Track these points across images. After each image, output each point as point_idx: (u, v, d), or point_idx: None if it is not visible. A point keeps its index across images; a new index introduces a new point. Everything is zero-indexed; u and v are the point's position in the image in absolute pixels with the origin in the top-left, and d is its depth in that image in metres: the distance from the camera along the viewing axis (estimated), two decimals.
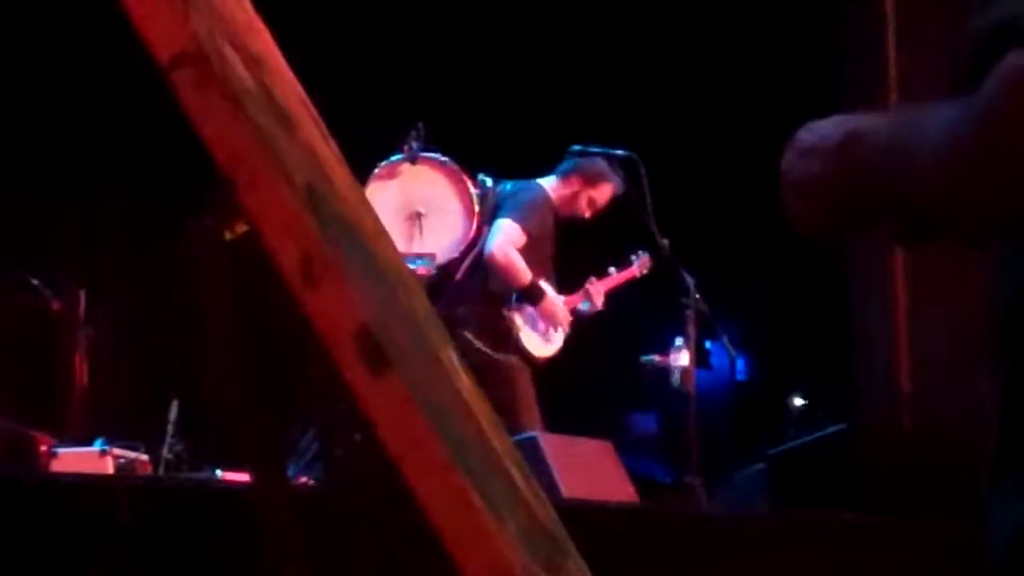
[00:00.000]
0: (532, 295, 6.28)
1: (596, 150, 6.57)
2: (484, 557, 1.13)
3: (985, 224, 1.29)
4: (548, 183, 6.52)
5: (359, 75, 7.87)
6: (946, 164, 1.25)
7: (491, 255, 6.15)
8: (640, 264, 7.03)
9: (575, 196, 6.51)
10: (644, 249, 6.94)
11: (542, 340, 6.40)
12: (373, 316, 1.17)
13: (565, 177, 6.53)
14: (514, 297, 6.30)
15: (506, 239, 6.18)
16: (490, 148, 6.71)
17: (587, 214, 6.55)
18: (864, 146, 1.38)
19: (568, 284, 6.73)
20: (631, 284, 7.06)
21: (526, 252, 6.23)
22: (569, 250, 6.68)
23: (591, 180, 6.53)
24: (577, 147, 6.53)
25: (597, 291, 6.79)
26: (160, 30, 1.23)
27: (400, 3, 8.18)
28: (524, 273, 6.20)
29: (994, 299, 1.41)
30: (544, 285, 6.33)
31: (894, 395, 7.33)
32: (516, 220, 6.21)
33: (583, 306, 6.76)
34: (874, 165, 1.36)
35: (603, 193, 6.56)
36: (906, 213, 1.35)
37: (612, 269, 6.95)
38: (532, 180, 6.53)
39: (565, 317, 6.46)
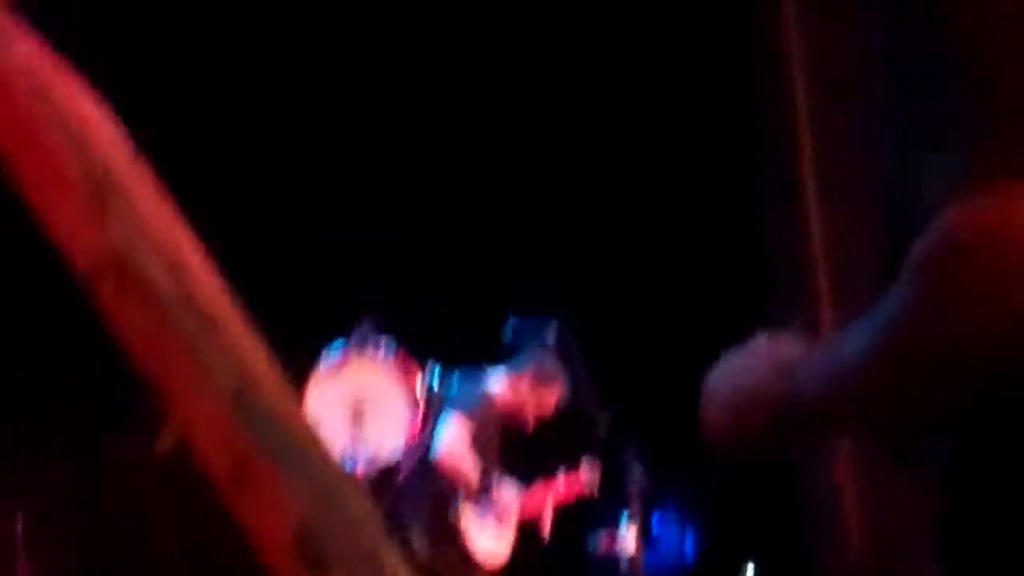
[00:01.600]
0: (480, 494, 6.19)
1: (529, 320, 6.54)
2: None
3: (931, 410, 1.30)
4: (498, 381, 6.38)
5: (307, 263, 7.88)
6: (877, 364, 1.27)
7: (441, 459, 6.04)
8: (587, 476, 6.88)
9: (523, 401, 6.35)
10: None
11: (493, 537, 6.28)
12: (310, 518, 1.14)
13: (517, 373, 6.37)
14: (460, 496, 6.19)
15: (454, 439, 6.07)
16: (437, 329, 6.68)
17: (531, 425, 6.42)
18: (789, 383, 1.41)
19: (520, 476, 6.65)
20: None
21: (474, 442, 6.15)
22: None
23: (544, 378, 6.39)
24: (514, 321, 6.46)
25: (544, 509, 6.66)
26: (78, 240, 1.22)
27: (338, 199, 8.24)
28: (473, 472, 6.11)
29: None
30: (493, 479, 6.25)
31: (847, 564, 7.29)
32: (465, 415, 6.13)
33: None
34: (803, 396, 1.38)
35: (552, 394, 6.43)
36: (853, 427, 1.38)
37: (560, 472, 6.81)
38: (481, 371, 6.43)
39: (512, 515, 6.34)
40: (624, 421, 6.76)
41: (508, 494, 6.36)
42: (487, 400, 6.31)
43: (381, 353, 6.15)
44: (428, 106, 8.24)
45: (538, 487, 6.70)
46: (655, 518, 8.04)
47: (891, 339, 1.24)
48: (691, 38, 7.86)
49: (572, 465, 6.89)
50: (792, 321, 6.79)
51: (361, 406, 6.07)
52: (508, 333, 6.47)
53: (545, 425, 6.56)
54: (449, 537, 6.16)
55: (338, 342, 6.12)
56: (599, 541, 7.62)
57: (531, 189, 8.51)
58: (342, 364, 6.12)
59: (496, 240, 8.32)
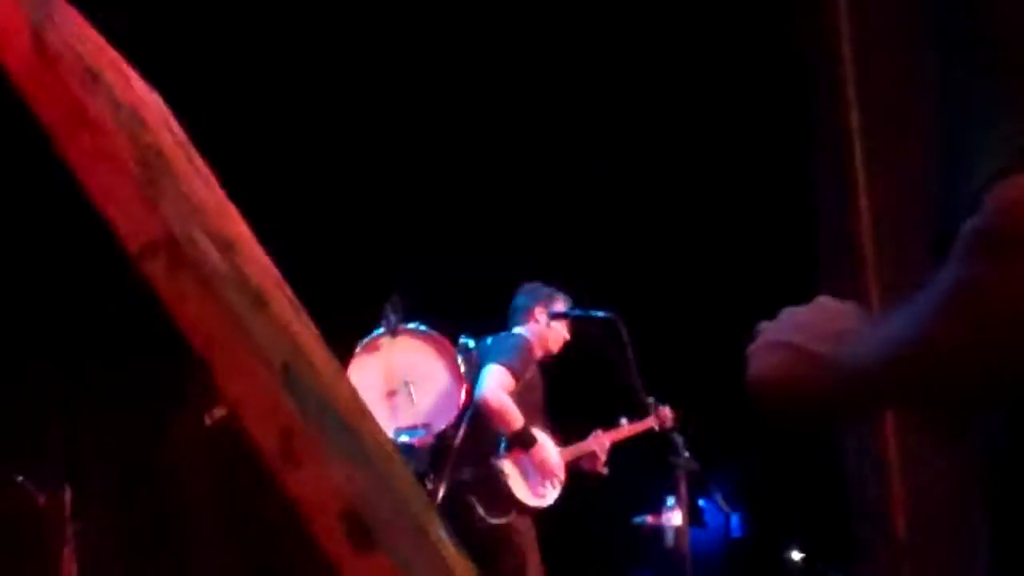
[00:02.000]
0: (524, 440, 6.24)
1: (576, 312, 6.59)
2: None
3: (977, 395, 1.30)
4: (522, 329, 6.52)
5: (331, 253, 7.92)
6: (925, 346, 1.27)
7: (484, 400, 6.13)
8: (657, 419, 6.92)
9: (544, 329, 6.50)
10: (640, 409, 6.84)
11: (533, 492, 6.33)
12: (357, 493, 1.16)
13: (528, 312, 6.53)
14: (502, 445, 6.25)
15: (496, 383, 6.17)
16: (470, 312, 6.72)
17: (556, 346, 6.54)
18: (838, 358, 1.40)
19: (568, 439, 6.68)
20: (622, 445, 6.99)
21: (516, 398, 6.22)
22: (560, 413, 6.65)
23: (548, 300, 6.55)
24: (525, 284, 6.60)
25: (601, 444, 6.72)
26: (130, 220, 1.24)
27: (361, 178, 8.27)
28: (517, 418, 6.17)
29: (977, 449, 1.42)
30: (536, 432, 6.30)
31: (893, 546, 7.27)
32: (504, 364, 6.21)
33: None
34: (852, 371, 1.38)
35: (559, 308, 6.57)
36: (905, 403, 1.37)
37: (623, 420, 6.86)
38: (508, 331, 6.54)
39: (559, 467, 6.39)
40: (672, 403, 6.78)
41: (553, 447, 6.40)
42: (523, 345, 6.38)
43: (416, 331, 6.20)
44: (449, 86, 8.26)
45: (598, 434, 6.73)
46: (702, 499, 8.05)
47: (944, 316, 1.24)
48: (727, 14, 7.83)
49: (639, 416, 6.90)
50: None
51: (405, 382, 6.12)
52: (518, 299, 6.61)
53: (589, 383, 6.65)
54: (504, 495, 6.20)
55: (375, 331, 6.17)
56: (646, 516, 7.65)
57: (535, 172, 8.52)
58: (376, 346, 6.16)
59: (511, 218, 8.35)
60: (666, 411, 6.94)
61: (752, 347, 1.49)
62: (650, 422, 6.84)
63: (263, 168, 7.09)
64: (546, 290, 6.62)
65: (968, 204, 1.23)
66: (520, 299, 6.62)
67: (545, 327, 6.52)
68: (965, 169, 1.27)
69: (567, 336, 6.58)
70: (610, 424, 6.86)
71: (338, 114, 8.16)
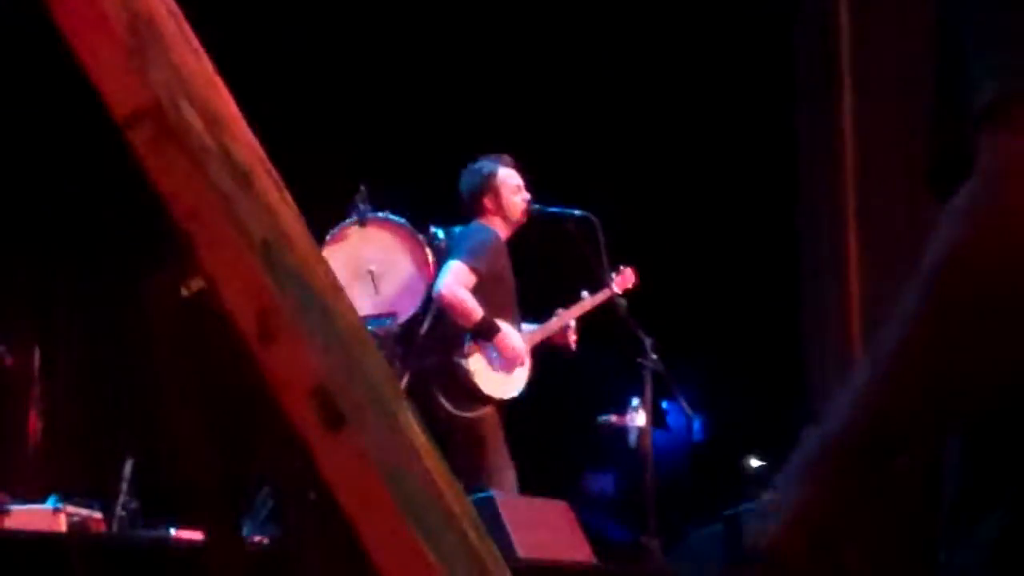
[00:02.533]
0: (485, 331, 6.25)
1: (553, 209, 6.58)
2: None
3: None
4: (481, 221, 6.46)
5: (298, 140, 7.89)
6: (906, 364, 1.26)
7: (439, 295, 6.14)
8: (622, 279, 6.91)
9: (498, 211, 6.45)
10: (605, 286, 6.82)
11: (503, 380, 6.36)
12: (329, 373, 1.17)
13: (478, 204, 6.46)
14: (468, 336, 6.27)
15: (454, 279, 6.17)
16: (441, 203, 6.70)
17: (521, 210, 6.48)
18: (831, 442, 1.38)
19: (537, 317, 6.69)
20: (589, 344, 7.00)
21: (480, 292, 6.21)
22: (533, 290, 6.65)
23: (490, 185, 6.48)
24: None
25: (566, 321, 6.70)
26: (118, 86, 1.23)
27: (334, 62, 8.23)
28: (474, 310, 6.18)
29: None
30: (500, 322, 6.30)
31: None
32: (463, 260, 6.20)
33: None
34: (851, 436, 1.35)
35: (508, 182, 6.50)
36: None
37: (584, 293, 6.82)
38: (473, 222, 6.49)
39: (522, 352, 6.41)
40: (640, 306, 6.81)
41: (521, 334, 6.41)
42: (488, 239, 6.36)
43: (384, 221, 6.19)
44: None
45: (560, 313, 6.72)
46: (666, 401, 8.11)
47: (940, 291, 1.23)
48: None
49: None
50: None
51: (370, 271, 6.13)
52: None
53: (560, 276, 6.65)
54: (468, 386, 6.23)
55: (345, 220, 6.15)
56: (610, 415, 7.71)
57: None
58: (344, 235, 6.16)
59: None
60: (627, 272, 6.92)
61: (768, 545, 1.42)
62: (608, 292, 6.78)
63: (243, 49, 7.02)
64: (479, 173, 6.49)
65: (963, 138, 1.23)
66: (463, 190, 6.51)
67: (498, 210, 6.45)
68: (962, 90, 1.27)
69: (527, 198, 6.50)
70: (572, 302, 6.82)
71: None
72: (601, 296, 6.77)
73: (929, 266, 1.23)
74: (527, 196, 6.51)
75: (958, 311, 1.22)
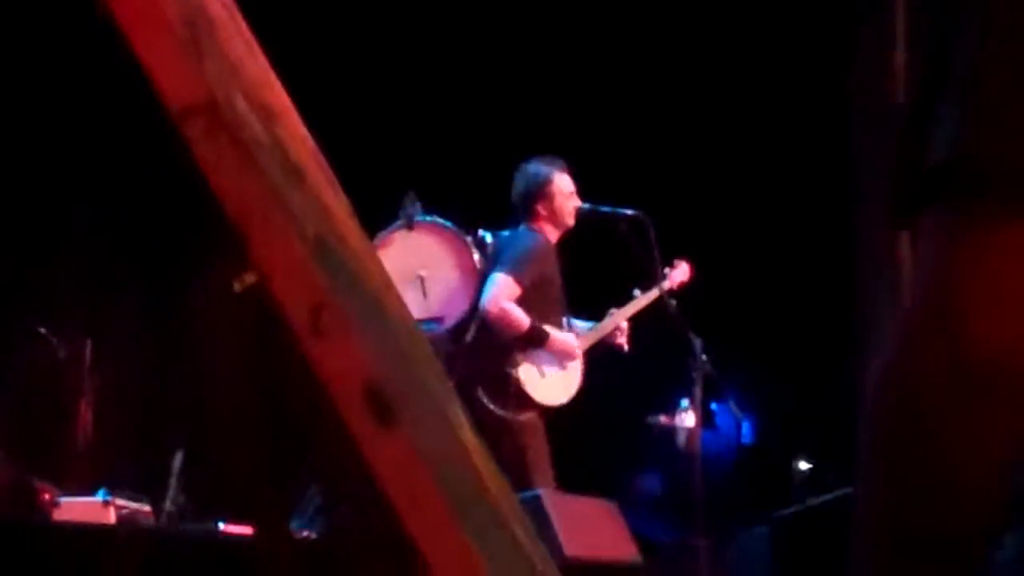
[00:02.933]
0: (535, 339, 6.25)
1: (604, 209, 6.55)
2: None
3: None
4: (531, 225, 6.45)
5: (347, 147, 7.90)
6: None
7: (485, 311, 6.13)
8: (677, 273, 6.86)
9: (551, 218, 6.44)
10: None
11: (553, 385, 6.35)
12: (381, 369, 1.16)
13: (530, 211, 6.45)
14: (517, 348, 6.26)
15: (499, 293, 6.15)
16: (492, 209, 6.69)
17: (570, 220, 6.47)
18: None
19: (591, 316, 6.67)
20: (640, 345, 6.97)
21: (526, 301, 6.20)
22: (591, 292, 6.64)
23: (545, 191, 6.46)
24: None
25: (618, 322, 6.67)
26: (173, 80, 1.23)
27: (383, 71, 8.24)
28: (522, 322, 6.17)
29: None
30: (548, 328, 6.29)
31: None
32: (508, 272, 6.19)
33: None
34: None
35: (562, 189, 6.49)
36: None
37: (636, 291, 6.79)
38: (522, 227, 6.47)
39: (576, 347, 6.39)
40: (692, 308, 6.78)
41: (570, 339, 6.39)
42: (534, 246, 6.34)
43: (432, 225, 6.19)
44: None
45: (613, 313, 6.70)
46: (715, 403, 8.09)
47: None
48: None
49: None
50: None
51: (420, 275, 6.12)
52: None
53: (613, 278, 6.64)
54: (515, 392, 6.22)
55: (392, 224, 6.16)
56: (659, 416, 7.69)
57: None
58: (392, 239, 6.16)
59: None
60: (682, 265, 6.87)
61: None
62: (660, 288, 6.73)
63: (296, 46, 7.04)
64: (534, 179, 6.47)
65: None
66: (516, 194, 6.49)
67: (551, 216, 6.44)
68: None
69: (578, 204, 6.49)
70: (625, 302, 6.80)
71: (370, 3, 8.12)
72: (654, 293, 6.73)
73: None
74: (578, 202, 6.50)
75: None
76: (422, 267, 6.15)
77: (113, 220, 8.17)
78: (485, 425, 6.02)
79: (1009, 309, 1.24)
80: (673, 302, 6.63)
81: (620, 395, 7.94)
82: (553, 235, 6.44)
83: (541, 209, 6.43)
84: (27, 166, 7.53)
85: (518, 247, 6.33)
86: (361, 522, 1.29)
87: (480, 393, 6.17)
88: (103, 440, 6.75)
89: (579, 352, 6.41)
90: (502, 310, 6.14)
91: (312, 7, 7.84)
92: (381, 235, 6.13)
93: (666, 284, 6.75)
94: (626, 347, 6.66)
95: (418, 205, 6.12)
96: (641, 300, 6.73)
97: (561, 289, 6.45)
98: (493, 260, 6.26)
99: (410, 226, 6.14)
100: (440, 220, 6.21)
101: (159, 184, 7.13)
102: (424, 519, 1.14)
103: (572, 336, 6.41)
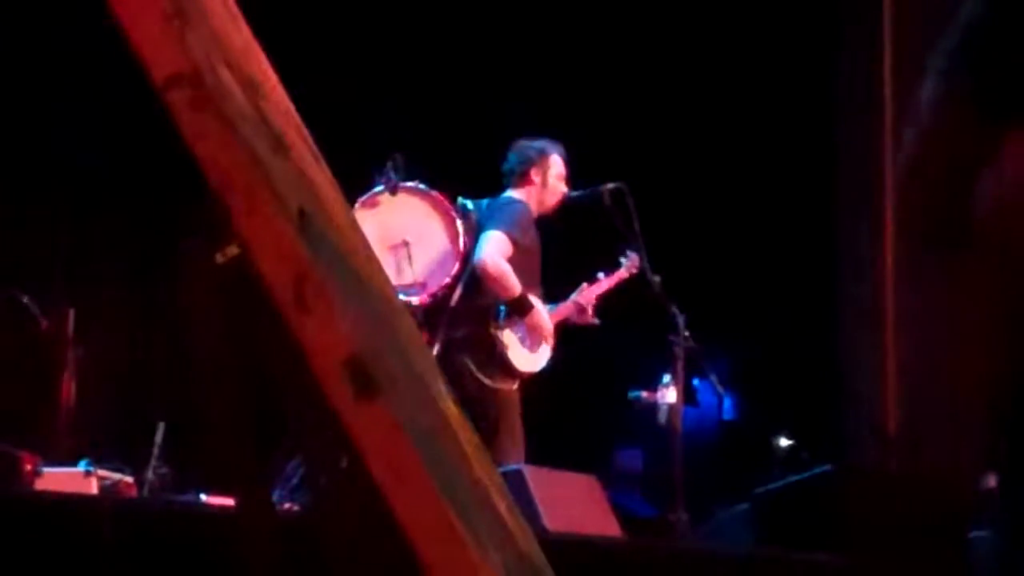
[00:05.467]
0: (520, 307, 6.25)
1: (585, 192, 6.56)
2: None
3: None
4: (517, 192, 6.46)
5: (331, 109, 7.89)
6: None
7: (482, 265, 6.11)
8: (629, 264, 6.92)
9: (541, 189, 6.47)
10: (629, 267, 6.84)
11: (529, 356, 6.37)
12: (363, 342, 1.16)
13: (523, 176, 6.47)
14: (502, 312, 6.26)
15: (495, 248, 6.15)
16: (472, 178, 6.69)
17: (553, 201, 6.50)
18: None
19: (557, 297, 6.69)
20: (622, 320, 6.99)
21: (514, 264, 6.21)
22: (557, 272, 6.65)
23: (541, 161, 6.48)
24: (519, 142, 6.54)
25: (587, 299, 6.71)
26: (157, 50, 1.23)
27: (370, 33, 8.21)
28: (515, 285, 6.17)
29: None
30: (532, 298, 6.31)
31: (881, 438, 7.33)
32: (502, 230, 6.18)
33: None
34: None
35: (556, 167, 6.52)
36: None
37: (601, 275, 6.84)
38: (505, 194, 6.48)
39: (550, 332, 6.42)
40: (675, 284, 6.79)
41: (545, 311, 6.40)
42: (522, 211, 6.35)
43: (415, 190, 6.18)
44: None
45: (582, 290, 6.73)
46: (697, 379, 8.09)
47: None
48: None
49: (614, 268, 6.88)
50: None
51: (404, 240, 6.12)
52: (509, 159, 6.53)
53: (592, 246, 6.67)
54: (497, 359, 6.23)
55: (375, 187, 6.15)
56: (641, 391, 7.70)
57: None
58: (375, 202, 6.15)
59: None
60: (635, 258, 6.90)
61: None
62: (623, 272, 6.80)
63: (281, 16, 7.02)
64: (536, 148, 6.50)
65: None
66: (512, 160, 6.53)
67: (541, 187, 6.47)
68: None
69: (565, 190, 6.52)
70: (591, 280, 6.83)
71: None
72: (615, 278, 6.80)
73: None
74: (566, 189, 6.52)
75: None
76: (408, 232, 6.14)
77: (96, 190, 8.15)
78: (468, 393, 6.03)
79: None
80: (657, 279, 6.63)
81: (602, 371, 7.95)
82: (534, 208, 6.45)
83: (535, 176, 6.44)
84: (8, 133, 7.50)
85: (507, 210, 6.33)
86: (342, 495, 1.30)
87: (467, 360, 6.17)
88: (85, 410, 6.74)
89: (551, 335, 6.42)
90: (498, 267, 6.12)
91: None
92: (363, 198, 6.12)
93: (623, 273, 6.81)
94: (595, 322, 6.68)
95: (401, 169, 6.11)
96: (604, 281, 6.78)
97: (539, 266, 6.46)
98: (480, 224, 6.26)
99: (393, 190, 6.13)
100: (422, 185, 6.20)
101: (142, 154, 7.11)
102: (406, 491, 1.14)
103: (547, 314, 6.42)
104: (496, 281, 6.13)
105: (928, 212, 1.37)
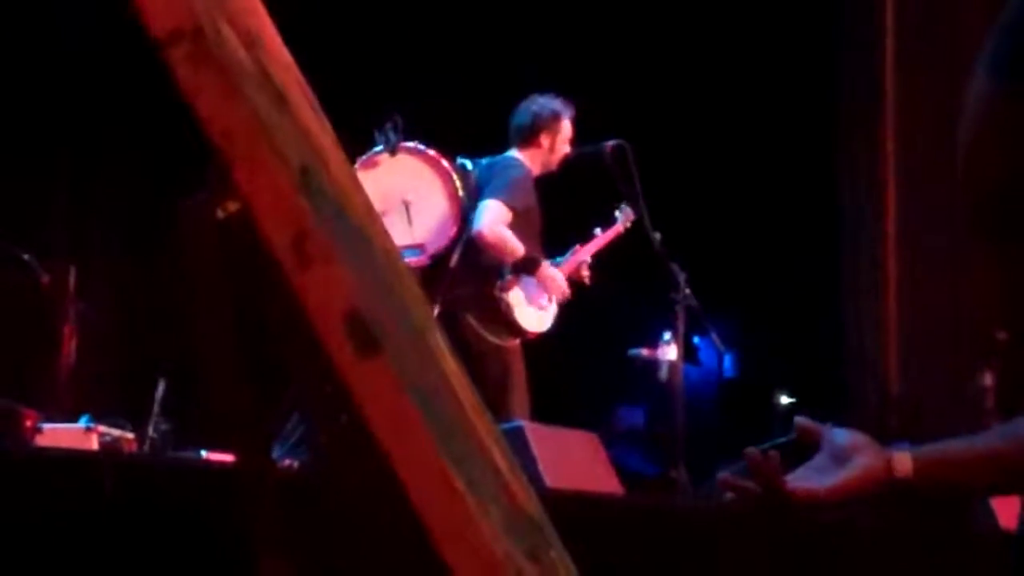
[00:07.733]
0: (528, 265, 6.28)
1: (586, 150, 6.56)
2: (466, 543, 1.13)
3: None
4: (521, 153, 6.47)
5: (329, 69, 7.85)
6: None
7: (480, 235, 6.15)
8: (624, 219, 6.93)
9: (547, 153, 6.48)
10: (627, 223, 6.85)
11: (537, 313, 6.39)
12: (363, 298, 1.16)
13: (532, 137, 6.47)
14: (507, 271, 6.28)
15: (494, 218, 6.17)
16: (471, 136, 6.68)
17: (556, 165, 6.53)
18: None
19: (554, 255, 6.70)
20: (623, 278, 7.02)
21: (514, 228, 6.23)
22: (555, 229, 6.66)
23: (553, 125, 6.49)
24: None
25: (584, 256, 6.75)
26: (156, 5, 1.22)
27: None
28: (517, 248, 6.20)
29: None
30: (536, 255, 6.34)
31: (882, 396, 7.34)
32: (500, 198, 6.21)
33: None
34: None
35: (565, 131, 6.53)
36: None
37: (597, 231, 6.87)
38: (507, 154, 6.48)
39: (563, 284, 6.45)
40: (676, 242, 6.79)
41: (551, 270, 6.42)
42: (521, 175, 6.36)
43: (415, 150, 6.19)
44: None
45: (578, 248, 6.77)
46: (698, 336, 8.11)
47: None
48: None
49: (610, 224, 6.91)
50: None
51: (404, 200, 6.13)
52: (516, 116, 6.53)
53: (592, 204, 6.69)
54: (502, 316, 6.26)
55: (375, 148, 6.14)
56: (642, 349, 7.72)
57: None
58: (374, 163, 6.16)
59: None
60: (629, 213, 6.91)
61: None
62: (619, 227, 6.86)
63: None
64: (551, 110, 6.50)
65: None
66: (524, 117, 6.53)
67: (548, 151, 6.48)
68: None
69: (567, 151, 6.53)
70: (587, 238, 6.86)
71: None
72: (611, 233, 6.84)
73: None
74: (568, 150, 6.53)
75: None
76: (408, 192, 6.15)
77: (96, 145, 8.14)
78: (472, 351, 6.06)
79: None
80: (658, 236, 6.63)
81: (603, 328, 7.96)
82: (536, 169, 6.45)
83: (543, 139, 6.45)
84: (6, 88, 7.49)
85: (507, 174, 6.34)
86: (343, 451, 1.30)
87: (471, 319, 6.19)
88: (86, 367, 6.76)
89: (566, 286, 6.45)
90: (498, 236, 6.15)
91: None
92: (362, 159, 6.13)
93: (618, 228, 6.84)
94: (588, 281, 6.72)
95: (400, 130, 6.12)
96: (601, 238, 6.81)
97: (540, 224, 6.48)
98: (480, 187, 6.27)
99: (392, 151, 6.13)
100: (422, 146, 6.20)
101: (142, 109, 7.10)
102: (405, 448, 1.14)
103: (557, 270, 6.44)
104: (496, 247, 6.16)
105: (984, 205, 1.37)
